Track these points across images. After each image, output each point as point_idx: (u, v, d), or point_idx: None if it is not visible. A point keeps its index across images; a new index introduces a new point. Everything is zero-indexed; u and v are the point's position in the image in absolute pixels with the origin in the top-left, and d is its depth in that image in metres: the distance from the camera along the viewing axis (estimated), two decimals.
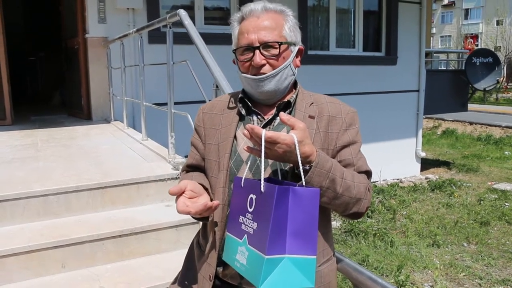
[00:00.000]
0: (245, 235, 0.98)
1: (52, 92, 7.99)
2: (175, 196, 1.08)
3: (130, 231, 2.29)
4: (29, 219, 2.33)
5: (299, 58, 1.20)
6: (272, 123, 1.16)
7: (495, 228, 5.32)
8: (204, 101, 2.53)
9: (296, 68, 1.19)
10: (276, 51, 1.12)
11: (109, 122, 5.07)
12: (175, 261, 2.25)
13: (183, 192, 1.06)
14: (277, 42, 1.11)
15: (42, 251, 2.10)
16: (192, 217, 1.11)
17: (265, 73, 1.12)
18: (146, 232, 2.33)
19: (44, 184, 2.45)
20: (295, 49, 1.17)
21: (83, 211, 2.47)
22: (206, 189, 1.14)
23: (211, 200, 1.12)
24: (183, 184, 1.07)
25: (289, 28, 1.15)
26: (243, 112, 1.18)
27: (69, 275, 2.13)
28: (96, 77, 5.18)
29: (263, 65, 1.12)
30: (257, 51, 1.11)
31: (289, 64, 1.15)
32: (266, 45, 1.11)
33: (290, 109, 1.17)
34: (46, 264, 2.11)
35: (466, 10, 41.26)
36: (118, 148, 3.63)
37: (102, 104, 5.24)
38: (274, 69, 1.13)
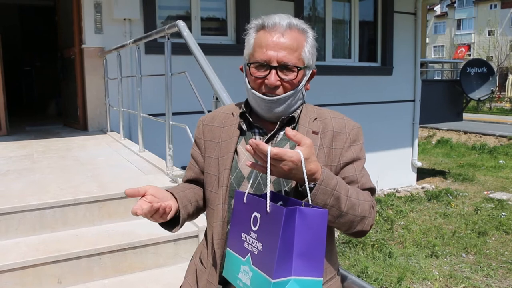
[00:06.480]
0: (249, 254, 0.95)
1: (48, 102, 7.95)
2: None
3: (128, 245, 2.25)
4: (24, 233, 2.29)
5: (309, 81, 1.16)
6: (275, 138, 1.13)
7: (493, 238, 5.31)
8: (202, 112, 2.51)
9: (306, 91, 1.15)
10: (292, 76, 1.07)
11: (105, 133, 5.03)
12: (174, 276, 2.22)
13: (144, 196, 1.01)
14: (296, 67, 1.06)
15: (37, 267, 2.05)
16: (160, 225, 1.08)
17: (277, 95, 1.08)
18: (144, 247, 2.29)
19: (40, 198, 2.41)
20: (308, 73, 1.13)
21: (80, 225, 2.43)
22: (176, 199, 1.10)
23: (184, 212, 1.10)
24: (144, 188, 1.02)
25: (308, 51, 1.09)
26: (244, 127, 1.15)
27: None
28: (92, 88, 5.15)
29: (277, 86, 1.08)
30: (273, 71, 1.06)
31: (302, 88, 1.11)
32: (284, 67, 1.06)
33: (294, 124, 1.14)
34: (41, 280, 2.06)
35: (458, 21, 41.77)
36: (115, 159, 3.59)
37: (98, 114, 5.22)
38: (286, 92, 1.08)
